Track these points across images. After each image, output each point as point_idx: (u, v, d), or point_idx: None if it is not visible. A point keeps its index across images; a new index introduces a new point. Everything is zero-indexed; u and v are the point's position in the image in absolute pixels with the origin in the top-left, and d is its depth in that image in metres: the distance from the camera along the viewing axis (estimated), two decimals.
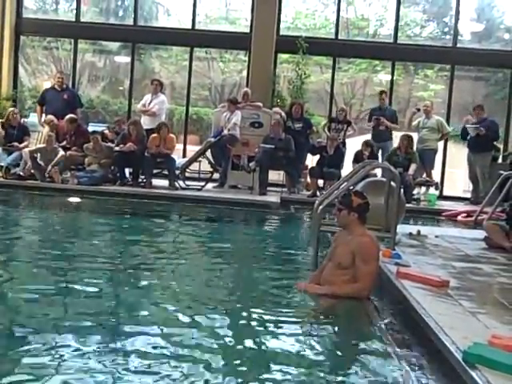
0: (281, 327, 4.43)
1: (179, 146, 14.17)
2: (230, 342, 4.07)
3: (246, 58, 15.05)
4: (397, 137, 13.14)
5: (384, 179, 7.53)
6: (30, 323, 4.19)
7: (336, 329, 4.52)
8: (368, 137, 13.22)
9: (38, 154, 11.73)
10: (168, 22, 17.06)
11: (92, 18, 16.03)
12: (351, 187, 6.83)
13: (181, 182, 12.15)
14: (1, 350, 3.71)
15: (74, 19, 15.43)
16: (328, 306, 4.99)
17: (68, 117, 12.40)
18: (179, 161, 12.64)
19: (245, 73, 15.19)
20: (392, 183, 7.06)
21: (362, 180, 7.31)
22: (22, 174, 11.68)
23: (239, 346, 4.02)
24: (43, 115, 13.10)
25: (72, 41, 15.53)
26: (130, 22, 15.43)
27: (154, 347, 3.83)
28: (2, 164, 11.92)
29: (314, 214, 6.90)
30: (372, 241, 5.26)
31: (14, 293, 4.98)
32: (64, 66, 16.15)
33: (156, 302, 4.90)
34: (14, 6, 15.17)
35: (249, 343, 4.10)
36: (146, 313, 4.61)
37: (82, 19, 15.45)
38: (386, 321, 4.72)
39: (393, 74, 15.03)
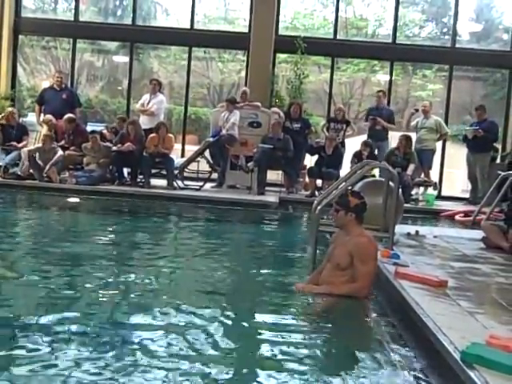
0: (278, 327, 4.42)
1: (178, 146, 14.18)
2: (227, 341, 4.06)
3: (245, 58, 15.06)
4: (394, 137, 13.15)
5: (382, 179, 7.53)
6: (28, 322, 4.19)
7: (334, 328, 4.52)
8: (366, 137, 13.21)
9: (37, 154, 11.72)
10: (166, 22, 17.06)
11: (90, 18, 16.03)
12: (349, 187, 6.82)
13: (179, 182, 12.16)
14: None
15: (72, 19, 15.43)
16: (326, 306, 4.99)
17: (66, 116, 12.40)
18: (178, 160, 12.63)
19: (243, 73, 15.21)
20: (390, 183, 7.06)
21: (360, 180, 7.32)
22: (20, 173, 11.68)
23: (236, 346, 4.01)
24: (42, 115, 13.10)
25: (71, 40, 15.53)
26: (129, 21, 15.43)
27: (150, 348, 3.83)
28: (1, 164, 11.93)
29: (313, 214, 6.89)
30: (370, 241, 5.27)
31: (12, 292, 4.99)
32: (62, 66, 16.13)
33: (153, 302, 4.89)
34: (13, 6, 15.17)
35: (246, 343, 4.11)
36: (143, 312, 4.59)
37: (81, 19, 15.46)
38: (384, 321, 4.72)
39: (391, 74, 15.04)
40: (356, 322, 4.83)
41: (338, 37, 15.04)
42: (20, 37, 15.54)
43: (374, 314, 4.88)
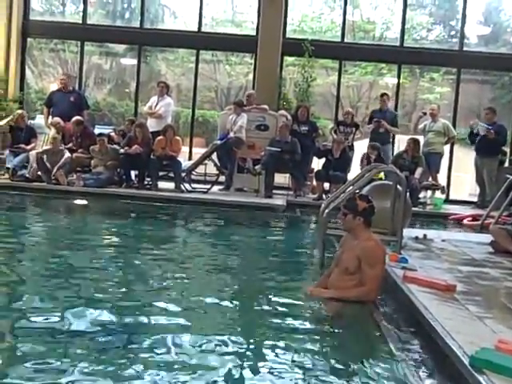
0: (286, 330, 4.43)
1: (185, 149, 14.18)
2: (234, 345, 4.06)
3: (252, 61, 15.06)
4: (402, 140, 13.13)
5: (390, 183, 7.52)
6: (36, 324, 4.22)
7: (342, 332, 4.52)
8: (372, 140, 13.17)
9: (45, 156, 11.74)
10: (174, 25, 17.07)
11: (98, 21, 16.05)
12: (357, 191, 6.81)
13: (187, 185, 12.14)
14: (9, 350, 3.73)
15: (80, 21, 15.46)
16: (334, 310, 4.98)
17: (74, 119, 12.42)
18: (185, 163, 12.63)
19: (251, 75, 15.21)
20: (398, 187, 7.06)
21: (368, 183, 7.31)
22: (28, 175, 11.71)
23: (243, 349, 4.01)
24: (50, 117, 13.13)
25: (79, 43, 15.57)
26: (137, 24, 15.47)
27: (158, 352, 3.83)
28: (9, 166, 11.95)
29: (320, 217, 6.90)
30: (377, 245, 5.26)
31: (20, 294, 5.01)
32: (70, 68, 16.18)
33: (161, 304, 4.88)
34: (21, 9, 15.22)
35: (253, 346, 4.10)
36: (150, 315, 4.58)
37: (89, 21, 15.49)
38: (392, 325, 4.71)
39: (399, 77, 15.03)
40: (364, 327, 4.82)
41: (345, 40, 15.03)
42: (28, 39, 15.57)
43: (382, 318, 4.86)
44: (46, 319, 4.35)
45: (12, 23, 15.03)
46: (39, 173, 11.69)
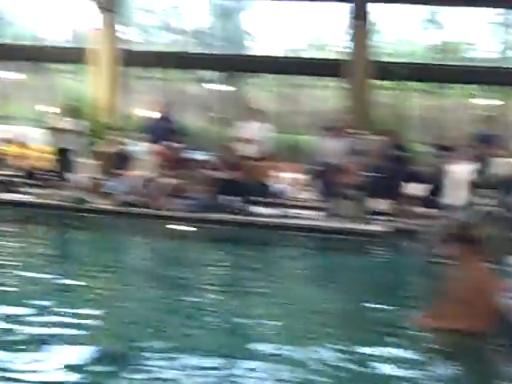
0: (395, 362, 4.40)
1: (280, 174, 14.24)
2: (339, 374, 4.07)
3: (343, 85, 15.07)
4: (502, 164, 12.77)
5: (496, 209, 7.37)
6: (130, 348, 4.43)
7: (452, 366, 4.45)
8: (471, 164, 12.86)
9: (145, 182, 12.05)
10: (262, 50, 17.28)
11: (187, 49, 16.45)
12: (462, 218, 6.71)
13: (283, 210, 12.17)
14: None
15: (171, 50, 15.91)
16: (444, 342, 4.90)
17: (171, 145, 12.71)
18: (281, 189, 12.67)
19: (343, 100, 15.21)
20: (504, 212, 6.92)
21: (474, 210, 7.20)
22: (130, 201, 12.01)
23: (348, 379, 4.01)
24: (146, 144, 13.46)
25: (170, 70, 15.99)
26: (225, 51, 15.77)
27: (259, 376, 3.93)
28: (110, 191, 12.31)
29: (423, 244, 6.82)
30: (488, 274, 5.17)
31: (120, 316, 5.25)
32: (162, 95, 16.58)
33: (263, 330, 4.93)
34: (114, 38, 15.79)
35: (358, 376, 4.09)
36: (252, 341, 4.66)
37: (179, 49, 15.89)
38: (505, 359, 4.60)
39: (495, 98, 14.71)
40: (475, 360, 4.72)
41: (437, 62, 14.90)
42: (121, 67, 16.09)
43: (495, 352, 4.75)
44: (147, 340, 4.51)
45: (105, 52, 15.65)
46: (141, 198, 12.00)
